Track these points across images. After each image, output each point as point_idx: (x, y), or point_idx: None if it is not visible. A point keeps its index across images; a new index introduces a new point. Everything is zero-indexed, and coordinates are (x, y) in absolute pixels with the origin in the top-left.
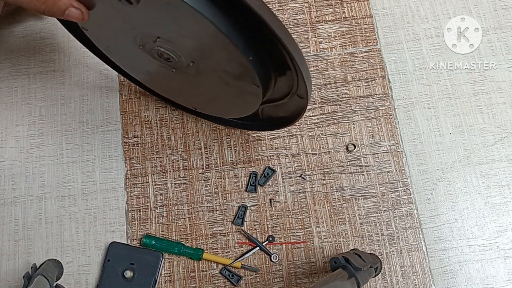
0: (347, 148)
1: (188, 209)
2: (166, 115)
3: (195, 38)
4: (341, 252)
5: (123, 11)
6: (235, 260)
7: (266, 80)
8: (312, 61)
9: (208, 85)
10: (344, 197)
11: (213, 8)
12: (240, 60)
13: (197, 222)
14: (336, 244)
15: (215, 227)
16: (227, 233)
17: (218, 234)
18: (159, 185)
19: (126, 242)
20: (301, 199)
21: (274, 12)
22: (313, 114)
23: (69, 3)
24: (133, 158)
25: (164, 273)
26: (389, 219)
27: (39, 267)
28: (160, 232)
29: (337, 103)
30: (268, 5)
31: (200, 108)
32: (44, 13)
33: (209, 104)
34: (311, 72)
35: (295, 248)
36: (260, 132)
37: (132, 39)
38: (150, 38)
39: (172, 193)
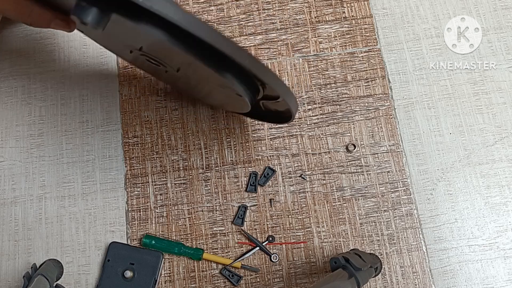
0: (347, 148)
1: (188, 209)
2: (166, 115)
3: (170, 57)
4: (341, 252)
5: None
6: (235, 260)
7: (250, 89)
8: (312, 61)
9: (200, 86)
10: (344, 197)
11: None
12: (218, 78)
13: (197, 222)
14: (336, 244)
15: (215, 227)
16: (227, 233)
17: (218, 234)
18: (159, 185)
19: (126, 242)
20: (301, 199)
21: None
22: (313, 114)
23: (53, 17)
24: (133, 158)
25: (164, 273)
26: (389, 219)
27: (39, 267)
28: (160, 232)
29: (337, 103)
30: (268, 5)
31: (201, 100)
32: (31, 25)
33: (208, 99)
34: (311, 72)
35: (295, 248)
36: (260, 131)
37: (121, 45)
38: (134, 47)
39: (172, 193)
